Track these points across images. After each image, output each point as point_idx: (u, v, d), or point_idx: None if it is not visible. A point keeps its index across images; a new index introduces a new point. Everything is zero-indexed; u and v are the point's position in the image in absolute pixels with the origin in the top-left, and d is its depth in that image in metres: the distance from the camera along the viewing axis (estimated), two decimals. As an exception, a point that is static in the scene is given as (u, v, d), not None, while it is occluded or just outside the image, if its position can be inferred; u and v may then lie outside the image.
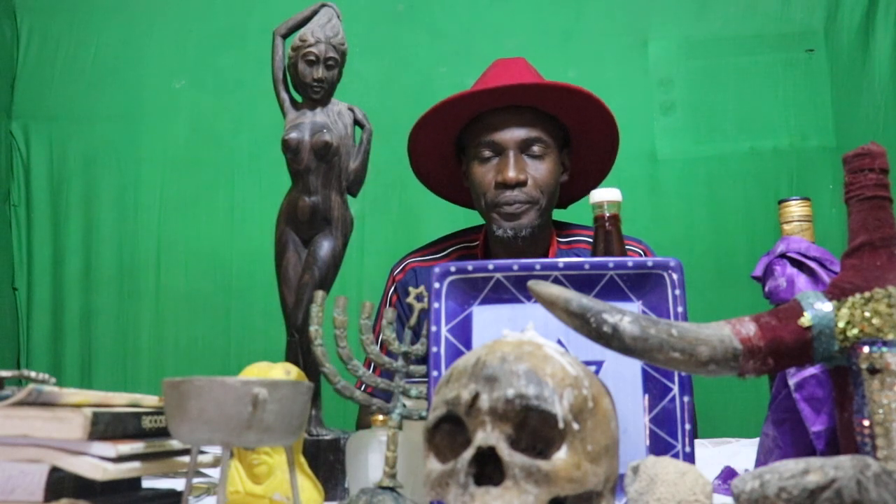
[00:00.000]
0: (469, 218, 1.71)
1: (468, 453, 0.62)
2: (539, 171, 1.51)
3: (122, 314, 2.25)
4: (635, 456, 0.77)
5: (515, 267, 0.84)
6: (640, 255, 1.55)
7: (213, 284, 2.24)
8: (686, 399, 0.80)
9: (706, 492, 0.65)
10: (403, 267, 1.65)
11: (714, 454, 1.17)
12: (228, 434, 0.67)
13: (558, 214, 1.64)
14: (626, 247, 1.53)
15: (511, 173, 1.48)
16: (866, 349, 0.66)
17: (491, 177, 1.51)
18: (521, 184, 1.49)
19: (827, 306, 0.70)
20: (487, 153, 1.51)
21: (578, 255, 1.58)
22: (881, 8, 2.16)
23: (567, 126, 1.56)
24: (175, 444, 0.82)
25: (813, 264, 0.89)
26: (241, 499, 0.86)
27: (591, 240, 1.57)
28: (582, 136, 1.56)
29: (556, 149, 1.54)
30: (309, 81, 1.05)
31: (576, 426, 0.62)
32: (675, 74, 2.22)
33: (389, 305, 1.62)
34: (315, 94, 1.06)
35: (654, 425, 0.81)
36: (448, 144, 1.60)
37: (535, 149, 1.51)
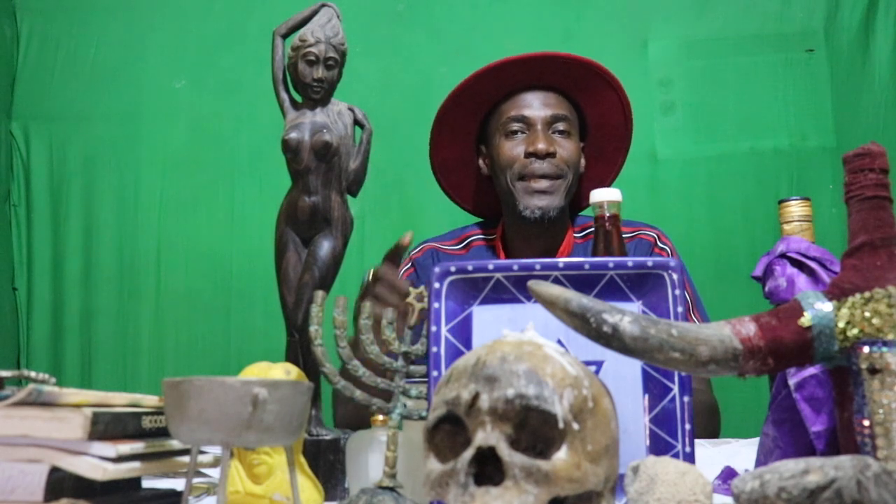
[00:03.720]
0: (471, 219, 1.71)
1: (468, 453, 0.62)
2: (565, 147, 1.54)
3: (122, 314, 2.25)
4: (635, 456, 0.77)
5: (515, 267, 0.84)
6: (654, 240, 1.57)
7: (213, 284, 2.24)
8: (686, 399, 0.80)
9: (706, 492, 0.65)
10: (422, 248, 1.66)
11: (714, 454, 1.17)
12: (228, 434, 0.67)
13: None
14: (641, 233, 1.53)
15: (542, 144, 1.51)
16: (866, 349, 0.66)
17: (520, 150, 1.53)
18: (550, 155, 1.52)
19: (827, 306, 0.70)
20: (516, 127, 1.55)
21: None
22: (881, 8, 2.16)
23: (586, 117, 1.61)
24: (175, 444, 0.82)
25: (813, 264, 0.89)
26: (241, 499, 0.86)
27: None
28: (598, 130, 1.61)
29: (577, 135, 1.58)
30: (309, 81, 1.05)
31: (576, 426, 0.62)
32: (675, 74, 2.22)
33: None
34: (315, 94, 1.06)
35: (654, 425, 0.81)
36: (470, 131, 1.62)
37: (562, 126, 1.55)
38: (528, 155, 1.52)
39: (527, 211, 1.52)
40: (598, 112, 1.59)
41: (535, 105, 1.55)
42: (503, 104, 1.57)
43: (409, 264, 1.64)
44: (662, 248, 1.57)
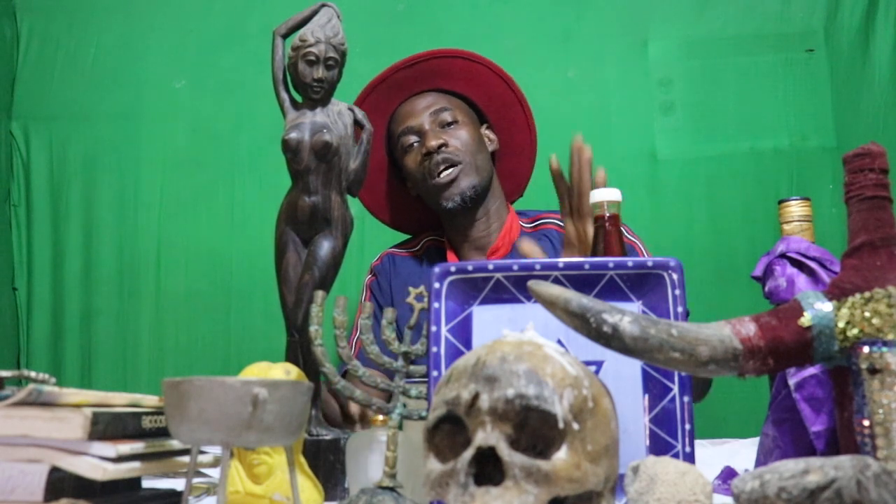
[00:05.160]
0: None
1: (468, 453, 0.62)
2: (455, 134, 1.61)
3: (122, 314, 2.25)
4: (635, 456, 0.77)
5: (515, 267, 0.84)
6: (640, 250, 1.59)
7: (213, 284, 2.24)
8: (686, 399, 0.80)
9: (706, 492, 0.65)
10: (380, 256, 1.78)
11: (714, 454, 1.17)
12: (228, 434, 0.67)
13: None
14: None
15: (431, 142, 1.59)
16: (866, 349, 0.66)
17: (418, 156, 1.62)
18: (442, 146, 1.59)
19: (827, 306, 0.70)
20: (411, 139, 1.64)
21: (549, 237, 1.62)
22: (881, 8, 2.16)
23: (478, 105, 1.68)
24: (175, 444, 0.82)
25: (813, 264, 0.89)
26: (241, 499, 0.86)
27: (555, 220, 1.63)
28: (496, 116, 1.69)
29: (470, 120, 1.65)
30: (309, 81, 1.05)
31: (576, 426, 0.62)
32: (675, 74, 2.22)
33: (365, 290, 1.74)
34: (315, 94, 1.06)
35: (654, 425, 0.81)
36: (387, 169, 1.73)
37: (446, 116, 1.62)
38: (424, 157, 1.60)
39: (445, 202, 1.60)
40: (485, 95, 1.66)
41: (417, 110, 1.64)
42: (392, 124, 1.68)
43: (371, 273, 1.76)
44: (631, 241, 1.59)
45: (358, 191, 1.10)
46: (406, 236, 1.82)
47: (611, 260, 0.85)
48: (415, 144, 1.63)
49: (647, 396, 0.82)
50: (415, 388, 0.85)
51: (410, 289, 0.87)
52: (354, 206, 1.09)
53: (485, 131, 1.69)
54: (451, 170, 1.59)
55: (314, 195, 1.05)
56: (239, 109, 2.26)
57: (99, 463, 0.72)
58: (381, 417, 0.90)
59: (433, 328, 0.83)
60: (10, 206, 2.27)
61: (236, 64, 2.26)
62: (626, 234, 1.57)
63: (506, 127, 1.70)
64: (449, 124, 1.62)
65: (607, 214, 1.08)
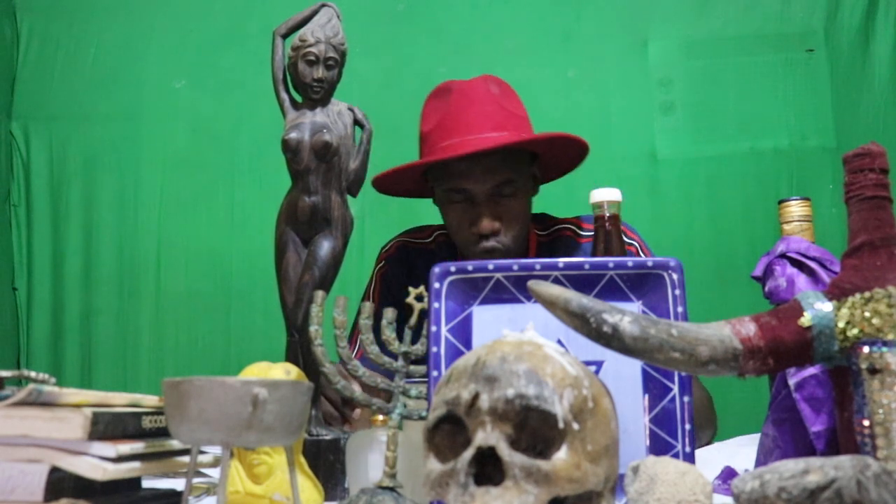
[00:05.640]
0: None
1: (468, 453, 0.62)
2: (512, 210, 1.47)
3: (122, 314, 2.25)
4: (635, 456, 0.77)
5: (515, 267, 0.84)
6: (636, 250, 1.53)
7: (213, 284, 2.25)
8: (686, 399, 0.80)
9: (706, 492, 0.65)
10: (393, 244, 1.66)
11: (714, 454, 1.17)
12: (228, 434, 0.67)
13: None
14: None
15: (485, 224, 1.44)
16: (866, 349, 0.66)
17: (465, 224, 1.47)
18: (495, 232, 1.45)
19: (827, 306, 0.70)
20: (458, 198, 1.48)
21: (562, 243, 1.57)
22: (881, 8, 2.16)
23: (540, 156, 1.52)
24: (175, 444, 0.82)
25: (813, 264, 0.89)
26: (241, 499, 0.86)
27: (571, 227, 1.59)
28: (552, 155, 1.54)
29: (525, 186, 1.51)
30: (309, 81, 1.05)
31: (576, 426, 0.62)
32: (675, 74, 2.22)
33: (375, 280, 1.63)
34: (315, 94, 1.06)
35: (654, 425, 0.81)
36: (413, 180, 1.57)
37: (507, 190, 1.46)
38: (471, 234, 1.46)
39: (472, 257, 1.48)
40: (549, 149, 1.51)
41: (476, 174, 1.44)
42: (444, 167, 1.47)
43: (383, 262, 1.63)
44: (629, 244, 1.52)
45: (358, 191, 1.10)
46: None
47: (611, 260, 0.85)
48: (462, 203, 1.47)
49: (647, 396, 0.82)
50: (415, 388, 0.85)
51: (410, 289, 0.86)
52: (354, 205, 1.09)
53: (533, 170, 1.53)
54: (496, 252, 1.46)
55: (314, 195, 1.05)
56: (239, 109, 2.27)
57: (99, 463, 0.72)
58: (381, 417, 0.90)
59: (433, 328, 0.83)
60: (10, 206, 2.28)
61: (236, 64, 2.26)
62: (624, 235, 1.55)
63: (555, 161, 1.56)
64: (507, 196, 1.46)
65: (607, 214, 1.08)
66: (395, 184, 1.57)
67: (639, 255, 1.53)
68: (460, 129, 1.45)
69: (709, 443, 1.35)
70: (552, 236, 1.59)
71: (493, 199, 1.46)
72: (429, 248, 1.65)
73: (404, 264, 1.61)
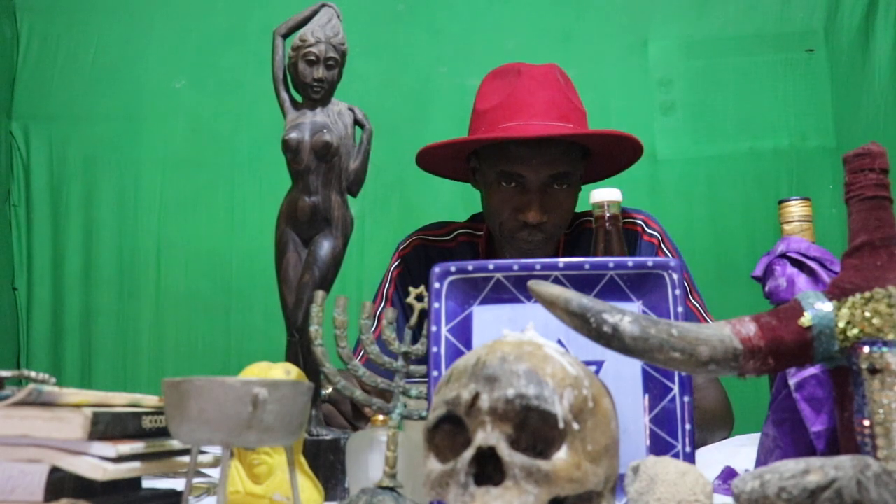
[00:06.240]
0: (470, 211, 1.70)
1: (468, 453, 0.62)
2: (562, 205, 1.44)
3: (122, 314, 2.25)
4: (635, 456, 0.77)
5: (515, 267, 0.84)
6: (642, 227, 1.51)
7: (213, 284, 2.25)
8: (686, 399, 0.80)
9: (706, 492, 0.65)
10: (411, 242, 1.61)
11: (714, 454, 1.17)
12: (228, 434, 0.67)
13: None
14: (627, 219, 1.40)
15: (534, 214, 1.40)
16: (866, 349, 0.66)
17: (511, 209, 1.43)
18: (541, 223, 1.42)
19: (827, 306, 0.70)
20: (509, 182, 1.43)
21: (585, 235, 1.53)
22: (881, 8, 2.16)
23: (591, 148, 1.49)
24: (175, 444, 0.82)
25: (813, 264, 0.89)
26: (241, 499, 0.86)
27: (591, 217, 1.56)
28: (604, 156, 1.50)
29: (577, 182, 1.48)
30: (309, 81, 1.05)
31: (576, 426, 0.62)
32: (675, 74, 2.22)
33: (391, 280, 1.58)
34: (315, 94, 1.06)
35: (654, 425, 0.81)
36: (461, 158, 1.53)
37: (560, 184, 1.43)
38: (517, 221, 1.42)
39: (511, 254, 1.47)
40: (608, 150, 1.47)
41: (534, 163, 1.40)
42: (500, 147, 1.42)
43: (399, 261, 1.59)
44: (652, 236, 1.50)
45: (358, 191, 1.10)
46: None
47: (611, 260, 0.85)
48: (512, 188, 1.42)
49: (647, 396, 0.82)
50: (415, 388, 0.85)
51: (411, 289, 0.87)
52: (355, 205, 1.09)
53: (581, 168, 1.49)
54: (537, 243, 1.44)
55: (314, 195, 1.05)
56: (239, 109, 2.26)
57: (99, 463, 0.72)
58: (381, 417, 0.90)
59: (433, 328, 0.83)
60: (10, 206, 2.28)
61: (236, 64, 2.26)
62: (646, 228, 1.50)
63: (607, 162, 1.52)
64: (559, 188, 1.43)
65: (607, 214, 1.08)
66: (438, 160, 1.52)
67: (659, 246, 1.50)
68: (525, 112, 1.41)
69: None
70: (576, 231, 1.56)
71: (545, 189, 1.42)
72: (448, 246, 1.59)
73: (422, 265, 1.55)
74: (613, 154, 1.51)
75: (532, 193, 1.42)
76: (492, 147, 1.45)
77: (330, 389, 1.25)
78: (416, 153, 1.50)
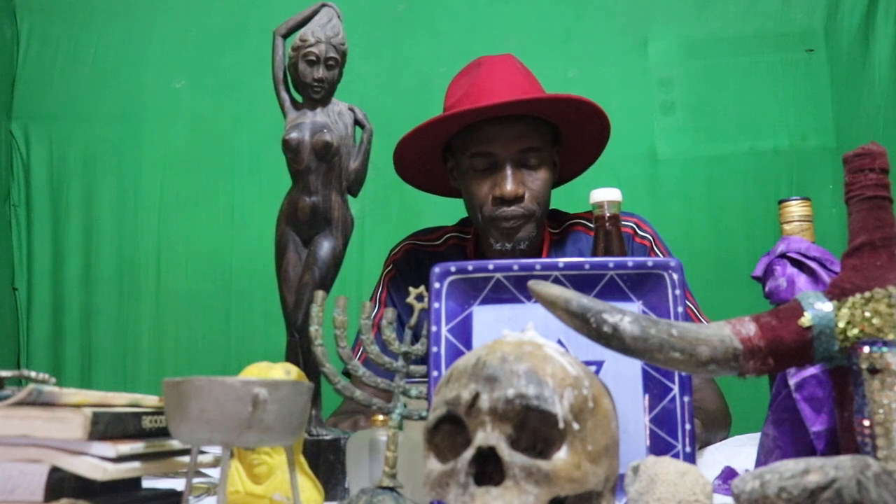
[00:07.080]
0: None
1: (468, 453, 0.62)
2: (535, 182, 1.47)
3: (122, 314, 2.25)
4: (635, 456, 0.77)
5: (515, 267, 0.84)
6: (633, 229, 1.53)
7: (213, 284, 2.25)
8: (686, 399, 0.80)
9: (706, 492, 0.65)
10: (402, 247, 1.64)
11: (714, 454, 1.17)
12: (228, 434, 0.67)
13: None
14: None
15: (509, 187, 1.44)
16: (866, 349, 0.66)
17: (487, 190, 1.47)
18: (518, 198, 1.45)
19: (827, 306, 0.70)
20: (482, 164, 1.47)
21: (573, 238, 1.57)
22: (881, 8, 2.16)
23: (559, 127, 1.52)
24: (175, 444, 0.82)
25: (813, 264, 0.89)
26: (241, 499, 0.86)
27: (584, 222, 1.58)
28: (573, 135, 1.54)
29: (550, 159, 1.51)
30: (309, 81, 1.05)
31: (576, 426, 0.62)
32: (675, 74, 2.22)
33: (384, 285, 1.61)
34: (315, 94, 1.06)
35: (654, 425, 0.81)
36: (436, 152, 1.56)
37: (532, 159, 1.47)
38: (494, 201, 1.46)
39: (497, 245, 1.48)
40: (573, 124, 1.51)
41: (503, 139, 1.45)
42: (467, 134, 1.47)
43: (391, 266, 1.62)
44: (644, 238, 1.52)
45: (358, 191, 1.10)
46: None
47: (611, 260, 0.85)
48: (486, 171, 1.47)
49: (647, 396, 0.82)
50: (415, 388, 0.85)
51: (411, 289, 0.87)
52: (355, 205, 1.09)
53: (554, 154, 1.54)
54: (518, 221, 1.46)
55: (314, 195, 1.05)
56: (239, 109, 2.27)
57: (99, 463, 0.72)
58: (381, 417, 0.90)
59: (433, 328, 0.83)
60: (10, 206, 2.28)
61: (236, 64, 2.26)
62: (637, 230, 1.53)
63: (577, 145, 1.56)
64: (531, 166, 1.47)
65: (607, 214, 1.08)
66: (418, 173, 1.56)
67: (652, 248, 1.52)
68: (488, 95, 1.45)
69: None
70: (564, 232, 1.59)
71: (518, 166, 1.46)
72: (439, 250, 1.63)
73: (413, 269, 1.59)
74: (583, 134, 1.53)
75: (505, 169, 1.46)
76: (461, 136, 1.49)
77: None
78: (393, 161, 1.53)
